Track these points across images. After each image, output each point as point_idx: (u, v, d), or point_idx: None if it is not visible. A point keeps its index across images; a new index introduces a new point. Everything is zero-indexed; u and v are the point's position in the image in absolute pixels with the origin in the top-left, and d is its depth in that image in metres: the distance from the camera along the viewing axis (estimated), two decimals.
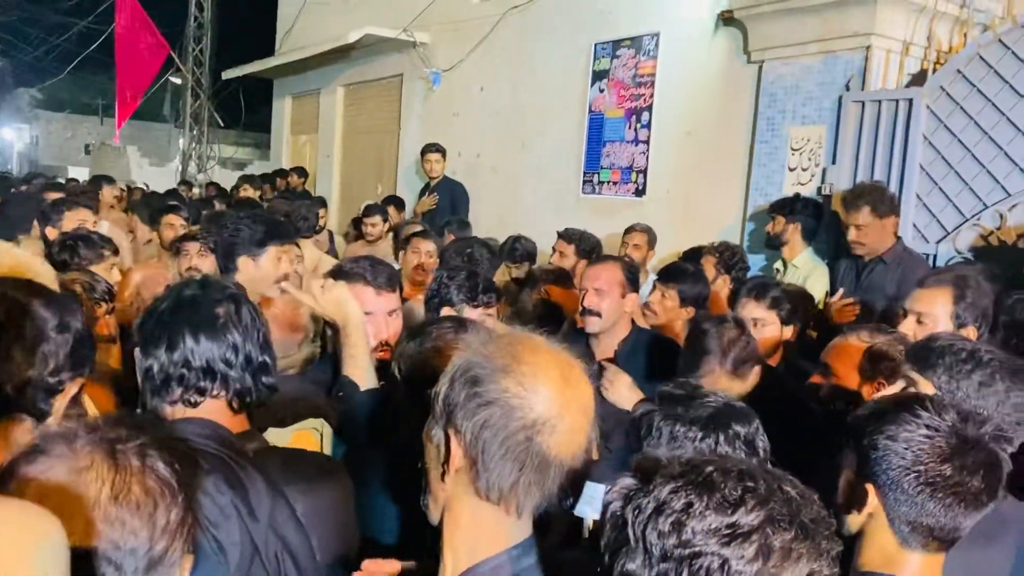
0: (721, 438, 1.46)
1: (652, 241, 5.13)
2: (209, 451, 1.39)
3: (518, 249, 4.87)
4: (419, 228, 5.18)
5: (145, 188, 10.87)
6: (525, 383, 1.10)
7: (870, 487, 1.39)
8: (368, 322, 2.32)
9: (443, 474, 1.14)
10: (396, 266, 3.56)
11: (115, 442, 0.96)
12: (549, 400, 1.10)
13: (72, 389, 1.32)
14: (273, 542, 1.36)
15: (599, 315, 2.96)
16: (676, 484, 0.95)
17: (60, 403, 1.30)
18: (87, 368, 1.36)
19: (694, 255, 4.45)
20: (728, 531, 0.90)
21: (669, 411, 1.51)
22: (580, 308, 3.02)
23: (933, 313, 2.44)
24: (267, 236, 2.73)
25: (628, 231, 5.18)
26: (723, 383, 2.33)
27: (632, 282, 3.03)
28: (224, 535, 1.29)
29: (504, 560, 1.13)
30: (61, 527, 0.81)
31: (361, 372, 2.12)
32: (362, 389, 2.10)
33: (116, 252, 3.33)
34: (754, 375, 2.48)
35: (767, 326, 2.99)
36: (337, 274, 2.40)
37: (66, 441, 0.95)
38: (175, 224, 4.55)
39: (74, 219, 4.07)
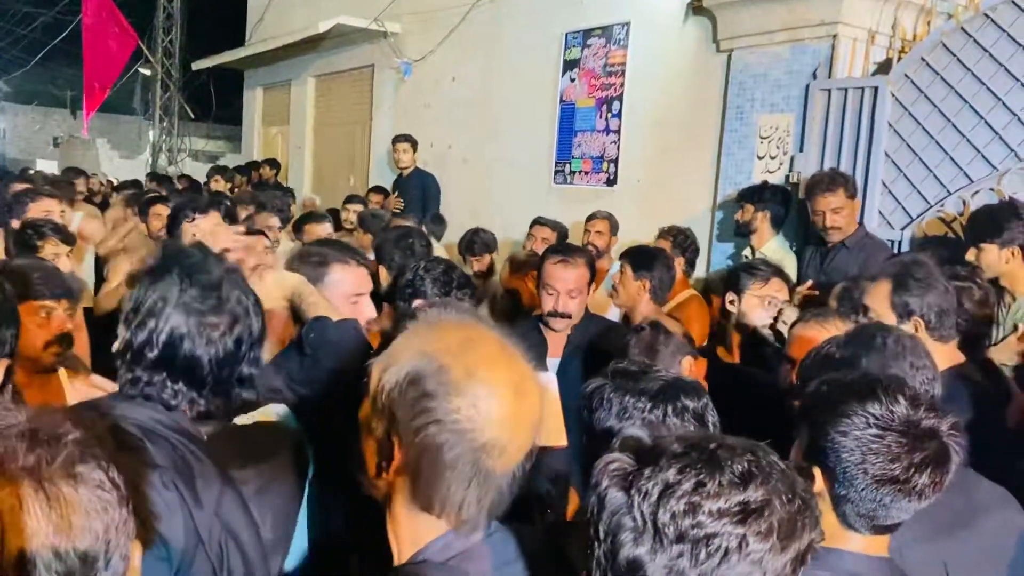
0: (669, 409, 1.46)
1: (614, 228, 5.17)
2: (159, 434, 1.37)
3: (476, 242, 4.84)
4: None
5: (114, 182, 10.76)
6: (479, 405, 1.05)
7: (817, 471, 1.40)
8: (364, 304, 2.24)
9: (380, 471, 1.12)
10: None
11: (37, 470, 0.87)
12: (501, 424, 1.06)
13: None
14: (218, 530, 1.34)
15: (569, 316, 2.97)
16: (683, 463, 0.93)
17: None
18: (6, 347, 1.33)
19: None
20: (741, 508, 0.89)
21: (620, 384, 1.51)
22: (550, 310, 2.96)
23: (877, 308, 2.33)
24: (177, 218, 2.70)
25: (590, 218, 5.20)
26: None
27: (593, 274, 3.04)
28: (166, 529, 1.27)
29: (450, 538, 1.12)
30: None
31: (328, 311, 2.03)
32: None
33: (69, 241, 3.28)
34: (688, 365, 2.39)
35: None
36: (317, 262, 2.28)
37: None
38: (162, 214, 4.49)
39: (39, 210, 3.99)
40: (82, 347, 2.92)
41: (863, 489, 1.34)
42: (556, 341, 3.00)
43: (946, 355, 2.27)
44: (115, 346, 1.45)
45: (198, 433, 1.47)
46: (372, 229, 5.23)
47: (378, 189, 7.59)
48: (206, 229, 2.73)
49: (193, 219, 2.68)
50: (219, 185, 9.27)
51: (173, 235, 2.72)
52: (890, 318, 2.27)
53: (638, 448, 0.98)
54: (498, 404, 1.06)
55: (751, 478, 0.91)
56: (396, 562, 1.15)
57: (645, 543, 0.91)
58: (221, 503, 1.36)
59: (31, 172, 9.37)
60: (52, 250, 3.13)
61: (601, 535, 0.95)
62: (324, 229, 4.29)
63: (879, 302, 2.32)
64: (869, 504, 1.34)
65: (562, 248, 3.06)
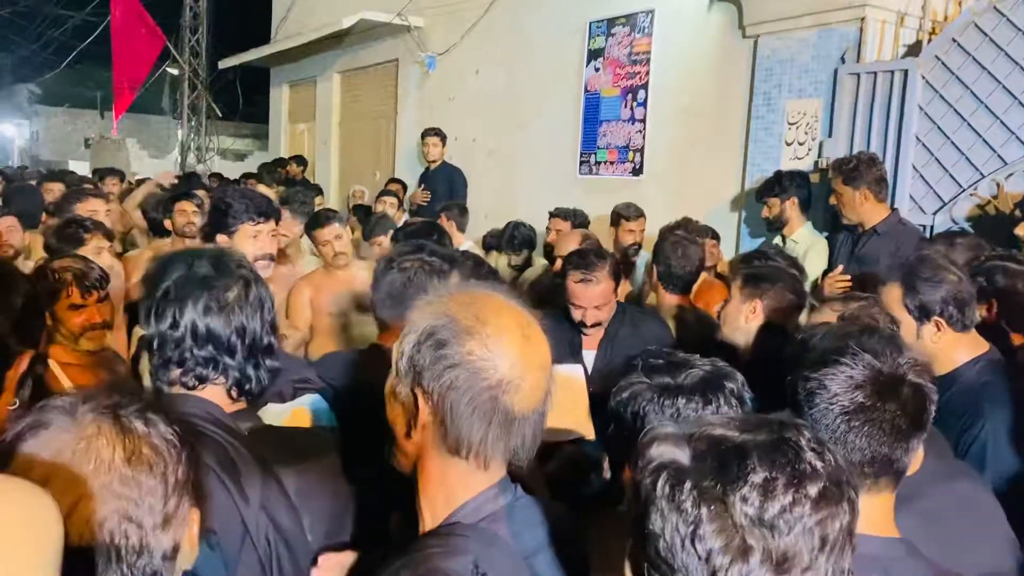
0: (721, 400, 1.45)
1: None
2: (203, 431, 1.39)
3: (516, 237, 4.82)
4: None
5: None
6: (489, 345, 1.14)
7: None
8: None
9: (410, 430, 1.19)
10: None
11: (117, 407, 0.99)
12: (512, 361, 1.15)
13: (22, 363, 1.30)
14: (264, 524, 1.36)
15: (599, 324, 3.00)
16: (769, 457, 0.89)
17: (11, 376, 1.29)
18: (37, 341, 1.35)
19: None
20: (835, 485, 0.90)
21: (659, 382, 1.47)
22: (579, 321, 2.97)
23: (893, 312, 2.20)
24: (238, 214, 2.67)
25: (624, 219, 4.87)
26: None
27: (617, 276, 3.03)
28: (215, 521, 1.28)
29: (482, 501, 1.18)
30: (52, 502, 0.81)
31: None
32: None
33: (111, 237, 3.33)
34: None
35: None
36: (439, 268, 2.21)
37: (67, 413, 0.97)
38: (187, 210, 4.54)
39: (85, 210, 4.02)
40: (122, 345, 2.98)
41: (837, 427, 1.34)
42: (591, 333, 3.02)
43: (971, 344, 2.22)
44: (143, 343, 1.50)
45: (237, 428, 1.50)
46: (387, 228, 5.19)
47: (397, 181, 7.63)
48: (267, 234, 2.69)
49: (256, 222, 2.64)
50: (262, 186, 9.27)
51: (227, 231, 2.68)
52: (909, 322, 2.19)
53: (697, 448, 0.93)
54: (507, 343, 1.15)
55: (823, 455, 0.92)
56: (429, 526, 1.20)
57: (756, 554, 0.86)
58: (266, 497, 1.38)
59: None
60: (96, 244, 3.19)
61: (701, 554, 0.87)
62: (332, 231, 4.17)
63: (893, 307, 2.23)
64: (848, 446, 1.33)
65: (583, 261, 2.96)
